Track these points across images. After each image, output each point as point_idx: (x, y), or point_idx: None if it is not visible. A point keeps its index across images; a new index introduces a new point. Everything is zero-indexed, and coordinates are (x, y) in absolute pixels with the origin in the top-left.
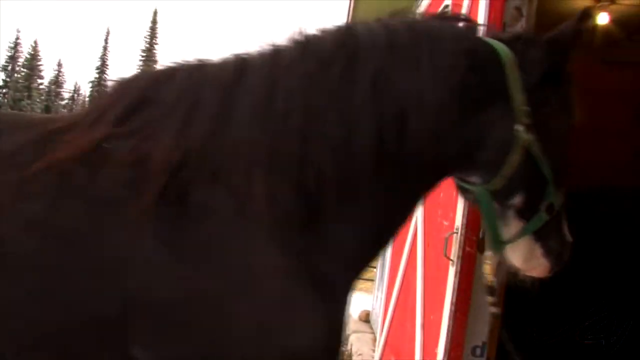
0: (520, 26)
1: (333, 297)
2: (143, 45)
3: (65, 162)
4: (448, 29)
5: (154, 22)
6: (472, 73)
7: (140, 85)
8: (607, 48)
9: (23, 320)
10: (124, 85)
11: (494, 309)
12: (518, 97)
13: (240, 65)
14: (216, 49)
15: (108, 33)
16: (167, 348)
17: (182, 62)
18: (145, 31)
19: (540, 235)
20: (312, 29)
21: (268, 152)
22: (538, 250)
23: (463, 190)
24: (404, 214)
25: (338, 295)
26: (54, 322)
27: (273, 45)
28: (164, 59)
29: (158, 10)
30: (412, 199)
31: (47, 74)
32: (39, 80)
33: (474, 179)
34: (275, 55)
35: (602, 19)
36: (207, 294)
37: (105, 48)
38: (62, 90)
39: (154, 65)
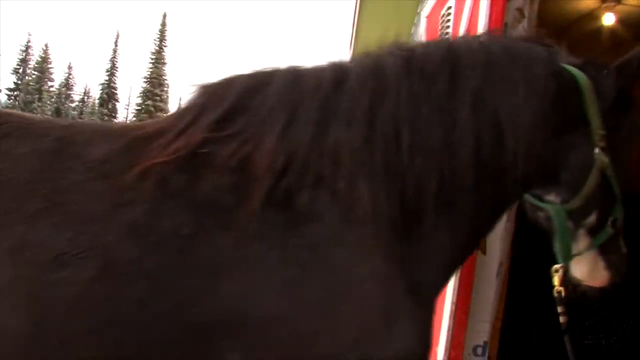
0: (522, 27)
1: (425, 304)
2: (152, 47)
3: (162, 168)
4: (537, 53)
5: (163, 24)
6: (560, 96)
7: (235, 90)
8: None
9: (128, 327)
10: (214, 90)
11: (562, 318)
12: (596, 121)
13: (340, 74)
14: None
15: (118, 35)
16: (266, 353)
17: (275, 68)
18: (155, 34)
19: (604, 249)
20: (413, 43)
21: (371, 161)
22: (601, 263)
23: (535, 208)
24: (491, 225)
25: (429, 301)
26: (158, 329)
27: (371, 56)
28: (173, 62)
29: (167, 13)
30: (500, 211)
31: (57, 77)
32: (50, 83)
33: (552, 197)
34: (377, 66)
35: (608, 19)
36: (311, 297)
37: (114, 51)
38: (72, 92)
39: (240, 70)
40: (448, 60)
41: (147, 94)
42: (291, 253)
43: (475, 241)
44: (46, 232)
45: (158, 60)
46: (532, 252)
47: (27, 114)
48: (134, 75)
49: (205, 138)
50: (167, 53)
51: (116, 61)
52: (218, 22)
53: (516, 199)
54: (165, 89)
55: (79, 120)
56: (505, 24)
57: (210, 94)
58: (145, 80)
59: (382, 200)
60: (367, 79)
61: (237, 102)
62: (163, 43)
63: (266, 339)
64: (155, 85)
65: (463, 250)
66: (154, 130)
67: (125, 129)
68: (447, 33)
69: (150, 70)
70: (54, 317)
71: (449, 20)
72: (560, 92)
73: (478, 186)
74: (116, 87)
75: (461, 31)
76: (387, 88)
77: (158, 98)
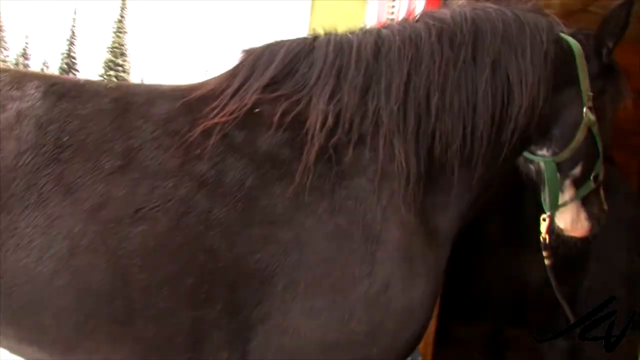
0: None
1: (441, 249)
2: (114, 16)
3: (222, 126)
4: (541, 22)
5: None
6: (558, 60)
7: (280, 55)
8: None
9: (201, 276)
10: (259, 54)
11: (547, 261)
12: (585, 83)
13: (379, 41)
14: (185, 20)
15: (76, 4)
16: (315, 294)
17: (317, 35)
18: (116, 2)
19: (586, 201)
20: (439, 13)
21: (406, 122)
22: (582, 214)
23: (527, 162)
24: (498, 179)
25: (445, 246)
26: (226, 276)
27: (408, 23)
28: (135, 30)
29: None
30: (508, 165)
31: (14, 47)
32: (5, 53)
33: (544, 151)
34: (412, 35)
35: None
36: (354, 244)
37: (74, 19)
38: (29, 62)
39: (278, 38)
40: (472, 31)
41: (109, 64)
42: (338, 203)
43: (485, 193)
44: (124, 189)
45: (119, 29)
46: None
47: (66, 76)
48: (94, 45)
49: (258, 99)
50: (128, 22)
51: (75, 30)
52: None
53: (519, 155)
54: (127, 58)
55: (121, 81)
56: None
57: (256, 58)
58: (108, 50)
59: (413, 157)
60: (404, 47)
61: (284, 66)
62: (124, 11)
63: (316, 281)
64: (117, 55)
65: (475, 201)
66: (208, 92)
67: (176, 90)
68: (392, 17)
69: (112, 39)
70: (135, 270)
71: (393, 7)
72: (558, 57)
73: (491, 141)
74: (76, 57)
75: (401, 13)
76: (422, 56)
77: (120, 68)
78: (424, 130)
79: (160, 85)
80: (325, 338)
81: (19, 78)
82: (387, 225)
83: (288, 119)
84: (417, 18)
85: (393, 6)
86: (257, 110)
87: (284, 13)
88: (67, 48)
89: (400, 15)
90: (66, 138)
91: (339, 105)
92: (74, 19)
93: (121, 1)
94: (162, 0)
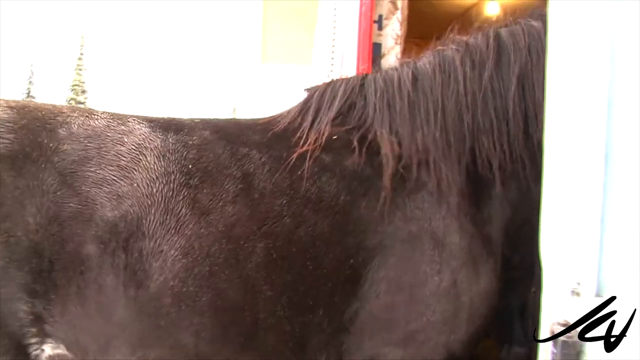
0: (396, 19)
1: (495, 254)
2: (75, 54)
3: (312, 152)
4: None
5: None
6: None
7: (340, 93)
8: None
9: (308, 283)
10: (321, 93)
11: None
12: None
13: (415, 73)
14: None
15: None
16: (395, 286)
17: (365, 73)
18: (76, 40)
19: None
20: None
21: (448, 145)
22: None
23: None
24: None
25: (497, 253)
26: (327, 280)
27: (437, 51)
28: (94, 65)
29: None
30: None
31: None
32: None
33: None
34: (441, 62)
35: (492, 9)
36: (424, 246)
37: (32, 58)
38: None
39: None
40: (494, 47)
41: (71, 101)
42: (410, 213)
43: (525, 207)
44: (248, 209)
45: (79, 66)
46: None
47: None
48: (54, 83)
49: (332, 131)
50: (86, 59)
51: (33, 69)
52: (132, 25)
53: None
54: (87, 95)
55: (205, 118)
56: (380, 16)
57: (320, 95)
58: (69, 88)
59: (457, 176)
60: (434, 74)
61: (345, 101)
62: (83, 49)
63: (395, 278)
64: (79, 92)
65: (515, 216)
66: (288, 125)
67: (258, 125)
68: (334, 27)
69: (73, 77)
70: (260, 282)
71: (335, 15)
72: None
73: (526, 157)
74: (35, 97)
75: (341, 24)
76: (449, 80)
77: (82, 106)
78: (464, 150)
79: (237, 119)
80: (407, 328)
81: (115, 115)
82: (449, 231)
83: (365, 145)
84: (445, 46)
85: (334, 33)
86: (335, 137)
87: (236, 14)
88: (27, 88)
89: (340, 15)
90: (190, 166)
91: (398, 136)
92: (32, 58)
93: (80, 39)
94: (120, 36)
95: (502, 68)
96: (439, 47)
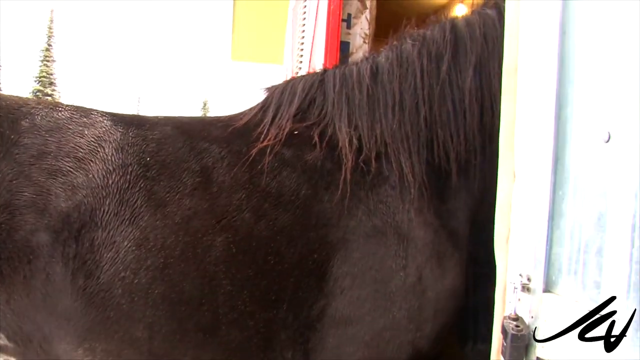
0: (364, 18)
1: (461, 249)
2: (41, 45)
3: (272, 147)
4: None
5: (51, 20)
6: None
7: (299, 89)
8: None
9: (271, 277)
10: (281, 90)
11: None
12: None
13: (374, 67)
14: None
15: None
16: (357, 282)
17: (325, 69)
18: (43, 30)
19: None
20: (425, 30)
21: (406, 138)
22: None
23: None
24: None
25: (463, 248)
26: (290, 275)
27: (395, 45)
28: (63, 57)
29: (55, 9)
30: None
31: None
32: None
33: None
34: (399, 56)
35: (462, 11)
36: (388, 241)
37: None
38: None
39: (287, 72)
40: (450, 40)
41: (37, 93)
42: (373, 207)
43: (488, 200)
44: (207, 202)
45: (47, 57)
46: None
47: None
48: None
49: (293, 127)
50: (56, 50)
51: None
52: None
53: None
54: (56, 88)
55: (170, 116)
56: (349, 15)
57: (280, 93)
58: (35, 79)
59: (418, 168)
60: (392, 67)
61: (304, 97)
62: (51, 39)
63: (360, 273)
64: (46, 84)
65: (480, 208)
66: (249, 121)
67: (220, 120)
68: (303, 24)
69: (40, 68)
70: (220, 276)
71: (304, 13)
72: None
73: (483, 147)
74: (0, 88)
75: (309, 23)
76: (407, 73)
77: (50, 98)
78: (422, 143)
79: (201, 117)
80: (373, 325)
81: (81, 109)
82: (413, 226)
83: (325, 140)
84: (404, 39)
85: (303, 30)
86: (296, 132)
87: (207, 11)
88: None
89: (309, 14)
90: (148, 158)
91: (357, 130)
92: None
93: (47, 29)
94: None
95: (459, 59)
96: (397, 41)
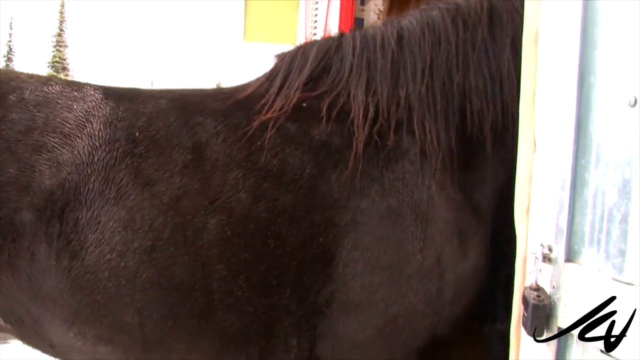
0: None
1: (485, 225)
2: (53, 30)
3: (275, 121)
4: None
5: (62, 5)
6: None
7: (312, 55)
8: None
9: (271, 262)
10: (291, 57)
11: None
12: None
13: (400, 32)
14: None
15: (12, 19)
16: (372, 268)
17: (341, 32)
18: (55, 15)
19: None
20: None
21: (434, 104)
22: None
23: None
24: None
25: (487, 223)
26: (293, 259)
27: (423, 11)
28: (75, 42)
29: None
30: None
31: None
32: None
33: None
34: (429, 22)
35: None
36: (405, 222)
37: (10, 35)
38: None
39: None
40: (487, 10)
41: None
42: (388, 186)
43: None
44: (198, 181)
45: (59, 43)
46: None
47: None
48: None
49: (301, 97)
50: (68, 35)
51: (12, 45)
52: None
53: None
54: (70, 73)
55: (170, 88)
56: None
57: (290, 60)
58: (48, 64)
59: (444, 136)
60: (423, 33)
61: (318, 63)
62: (63, 25)
63: (373, 258)
64: (59, 69)
65: (511, 179)
66: (253, 92)
67: (222, 92)
68: (316, 2)
69: (52, 54)
70: (214, 261)
71: (317, 8)
72: None
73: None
74: None
75: (323, 0)
76: (439, 39)
77: None
78: (452, 110)
79: (203, 89)
80: (387, 312)
81: (74, 83)
82: (434, 204)
83: (335, 111)
84: (432, 7)
85: (317, 8)
86: (304, 105)
87: (218, 15)
88: (4, 65)
89: (322, 15)
90: (137, 134)
91: (376, 96)
92: (10, 34)
93: (59, 14)
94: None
95: (495, 29)
96: (424, 7)
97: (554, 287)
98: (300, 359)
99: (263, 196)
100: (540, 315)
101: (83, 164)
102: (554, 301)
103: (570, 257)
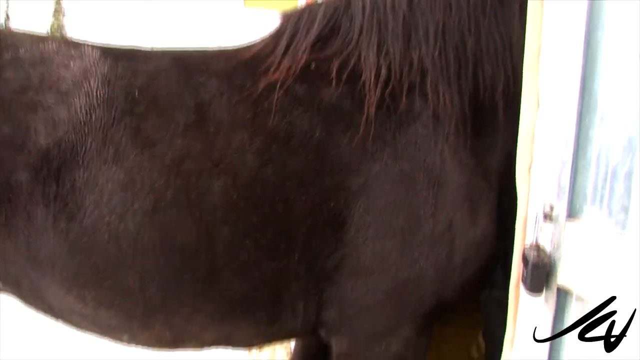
0: None
1: (495, 190)
2: None
3: (283, 82)
4: None
5: None
6: None
7: (320, 15)
8: None
9: (279, 228)
10: (298, 16)
11: None
12: None
13: None
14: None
15: None
16: (384, 233)
17: None
18: None
19: None
20: None
21: (447, 67)
22: None
23: None
24: None
25: (497, 188)
26: (303, 224)
27: None
28: (74, 10)
29: None
30: None
31: None
32: None
33: None
34: None
35: None
36: (417, 186)
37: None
38: None
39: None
40: None
41: None
42: (400, 149)
43: None
44: (202, 142)
45: (57, 10)
46: None
47: None
48: (32, 28)
49: (309, 58)
50: (66, 3)
51: (9, 12)
52: None
53: None
54: None
55: (171, 48)
56: None
57: (296, 20)
58: (46, 33)
59: (457, 99)
60: None
61: (326, 23)
62: None
63: (385, 223)
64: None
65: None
66: (259, 52)
67: (225, 52)
68: None
69: (51, 21)
70: (219, 224)
71: None
72: None
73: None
74: None
75: None
76: (450, 3)
77: None
78: (465, 74)
79: (205, 49)
80: (397, 277)
81: (72, 41)
82: (446, 168)
83: (345, 73)
84: None
85: None
86: (313, 66)
87: None
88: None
89: None
90: (137, 93)
91: (388, 57)
92: (8, 2)
93: None
94: None
95: None
96: None
97: (554, 245)
98: (307, 323)
99: (271, 159)
100: (540, 274)
101: (80, 123)
102: (554, 260)
103: (571, 216)
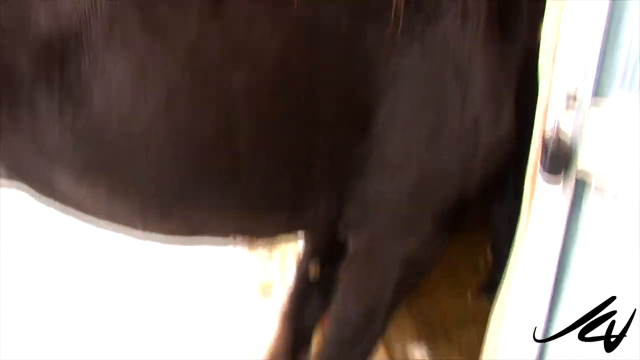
0: None
1: (514, 84)
2: None
3: None
4: None
5: None
6: None
7: None
8: None
9: (298, 120)
10: None
11: None
12: None
13: None
14: None
15: None
16: (409, 133)
17: None
18: None
19: None
20: None
21: None
22: None
23: None
24: None
25: (516, 84)
26: (325, 117)
27: None
28: None
29: None
30: None
31: None
32: None
33: None
34: None
35: None
36: (446, 83)
37: None
38: None
39: None
40: None
41: None
42: (429, 44)
43: None
44: (219, 29)
45: None
46: None
47: None
48: None
49: None
50: None
51: None
52: None
53: None
54: None
55: None
56: None
57: None
58: None
59: (483, 2)
60: None
61: None
62: None
63: (413, 118)
64: None
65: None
66: None
67: None
68: None
69: None
70: (239, 116)
71: None
72: None
73: None
74: None
75: None
76: None
77: None
78: None
79: None
80: (422, 171)
81: None
82: (473, 65)
83: None
84: None
85: None
86: None
87: None
88: None
89: None
90: None
91: None
92: None
93: None
94: None
95: None
96: None
97: (577, 129)
98: (329, 221)
99: (294, 51)
100: (559, 159)
101: (85, 3)
102: (574, 144)
103: (596, 100)
